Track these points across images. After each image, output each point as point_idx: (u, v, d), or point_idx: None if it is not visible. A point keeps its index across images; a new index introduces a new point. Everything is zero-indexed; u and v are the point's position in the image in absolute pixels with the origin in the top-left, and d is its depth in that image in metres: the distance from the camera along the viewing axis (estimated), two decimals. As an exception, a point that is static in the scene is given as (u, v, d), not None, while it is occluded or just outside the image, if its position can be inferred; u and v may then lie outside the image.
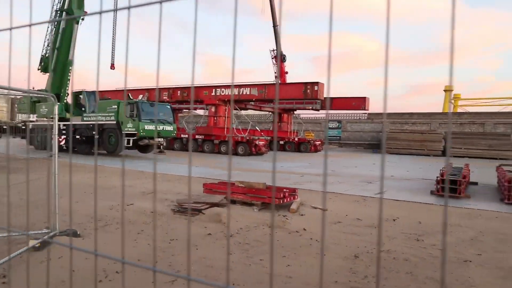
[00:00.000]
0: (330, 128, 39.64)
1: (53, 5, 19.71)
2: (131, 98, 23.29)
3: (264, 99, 25.99)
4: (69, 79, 19.85)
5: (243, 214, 6.52)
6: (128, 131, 16.85)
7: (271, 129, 33.47)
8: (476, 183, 11.49)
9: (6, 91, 4.26)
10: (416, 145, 29.94)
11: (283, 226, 5.84)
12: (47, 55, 20.57)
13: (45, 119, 19.68)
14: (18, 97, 17.96)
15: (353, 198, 8.66)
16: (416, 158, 25.72)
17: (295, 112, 33.32)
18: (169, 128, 18.66)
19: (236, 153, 22.91)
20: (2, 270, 3.61)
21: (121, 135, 17.08)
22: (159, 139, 18.10)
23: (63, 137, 18.22)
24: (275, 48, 29.75)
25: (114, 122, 17.28)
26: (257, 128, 28.32)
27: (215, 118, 26.23)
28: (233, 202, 7.24)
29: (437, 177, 9.50)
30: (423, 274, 4.04)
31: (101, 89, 24.67)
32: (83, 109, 19.19)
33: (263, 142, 23.56)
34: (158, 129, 17.66)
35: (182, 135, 25.46)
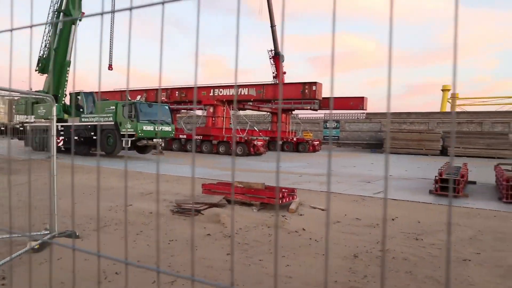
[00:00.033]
0: (328, 128, 39.66)
1: (50, 6, 19.69)
2: (129, 98, 23.28)
3: (262, 99, 25.96)
4: (67, 80, 19.82)
5: (242, 214, 6.52)
6: (126, 132, 16.84)
7: (269, 129, 33.43)
8: (474, 182, 11.52)
9: (6, 92, 4.24)
10: (414, 144, 30.00)
11: (282, 226, 5.84)
12: (44, 56, 20.50)
13: (43, 120, 19.62)
14: (16, 98, 17.91)
15: (352, 197, 8.67)
16: (414, 158, 25.76)
17: (293, 112, 33.32)
18: (167, 128, 18.68)
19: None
20: (1, 272, 3.59)
21: (119, 136, 17.06)
22: (158, 140, 18.10)
23: (61, 138, 18.18)
24: (273, 48, 29.70)
25: (112, 123, 17.27)
26: (255, 128, 28.30)
27: (213, 119, 26.22)
28: (230, 202, 7.24)
29: (435, 176, 9.51)
30: (423, 273, 4.05)
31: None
32: (81, 110, 19.15)
33: (261, 142, 23.55)
34: (156, 130, 17.65)
35: (181, 136, 25.47)
